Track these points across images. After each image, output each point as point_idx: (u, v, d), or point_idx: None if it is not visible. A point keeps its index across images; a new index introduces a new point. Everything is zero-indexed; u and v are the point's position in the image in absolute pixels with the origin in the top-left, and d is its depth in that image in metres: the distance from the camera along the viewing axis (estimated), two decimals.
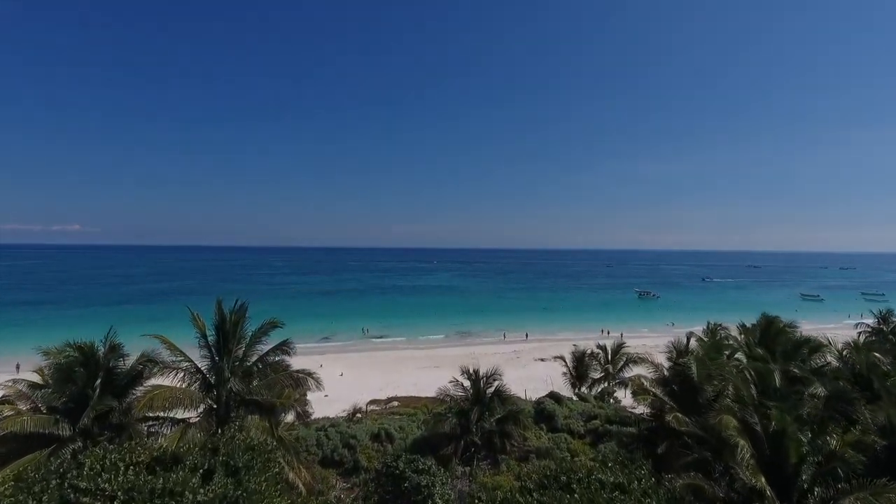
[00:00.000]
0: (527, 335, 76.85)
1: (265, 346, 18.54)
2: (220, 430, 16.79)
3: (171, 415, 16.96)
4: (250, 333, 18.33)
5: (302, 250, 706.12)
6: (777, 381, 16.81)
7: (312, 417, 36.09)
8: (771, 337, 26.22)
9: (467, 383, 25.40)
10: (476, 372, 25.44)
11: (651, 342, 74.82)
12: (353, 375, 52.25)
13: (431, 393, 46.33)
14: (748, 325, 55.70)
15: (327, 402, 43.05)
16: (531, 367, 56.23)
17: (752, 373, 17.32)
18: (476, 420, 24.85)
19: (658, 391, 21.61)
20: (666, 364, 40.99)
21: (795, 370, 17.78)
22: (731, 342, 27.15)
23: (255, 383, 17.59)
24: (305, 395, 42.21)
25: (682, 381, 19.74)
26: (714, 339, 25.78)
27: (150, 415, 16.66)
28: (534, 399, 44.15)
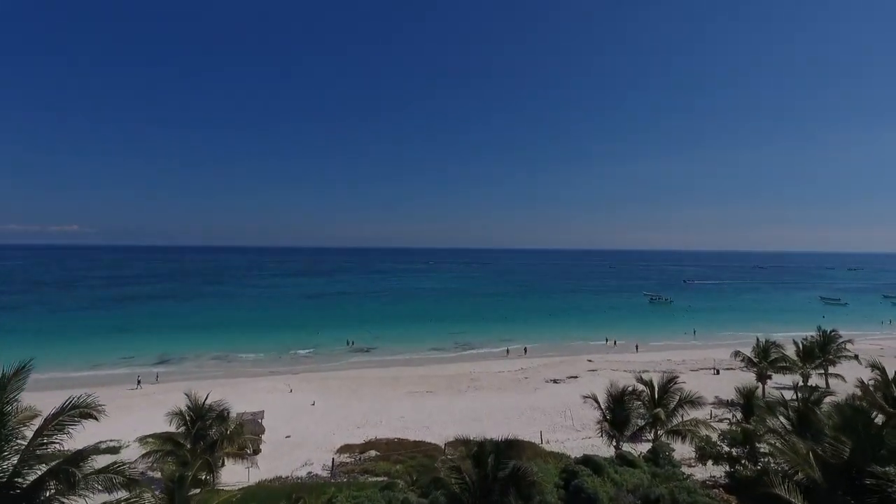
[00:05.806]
0: (525, 349, 67.31)
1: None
2: None
3: None
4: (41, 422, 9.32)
5: (300, 250, 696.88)
6: None
7: (259, 480, 26.96)
8: None
9: (467, 460, 16.46)
10: (481, 444, 16.40)
11: (677, 356, 65.56)
12: (328, 404, 43.02)
13: (422, 433, 37.02)
14: (803, 342, 46.62)
15: (288, 447, 33.66)
16: (543, 391, 47.03)
17: None
18: None
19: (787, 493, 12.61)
20: (734, 392, 31.51)
21: None
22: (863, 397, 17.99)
23: None
24: (260, 438, 32.59)
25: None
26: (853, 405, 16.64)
27: None
28: (551, 443, 34.95)
